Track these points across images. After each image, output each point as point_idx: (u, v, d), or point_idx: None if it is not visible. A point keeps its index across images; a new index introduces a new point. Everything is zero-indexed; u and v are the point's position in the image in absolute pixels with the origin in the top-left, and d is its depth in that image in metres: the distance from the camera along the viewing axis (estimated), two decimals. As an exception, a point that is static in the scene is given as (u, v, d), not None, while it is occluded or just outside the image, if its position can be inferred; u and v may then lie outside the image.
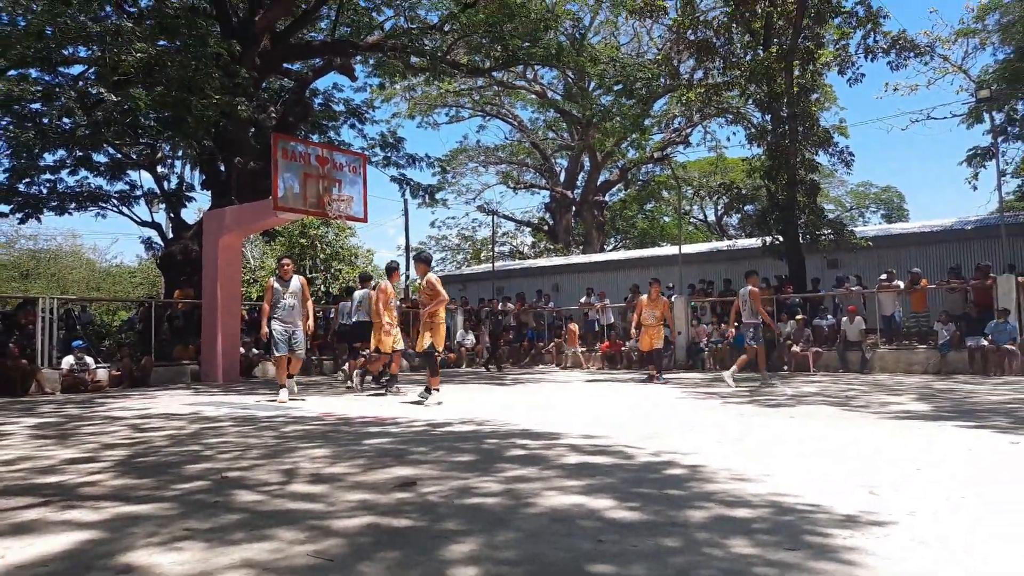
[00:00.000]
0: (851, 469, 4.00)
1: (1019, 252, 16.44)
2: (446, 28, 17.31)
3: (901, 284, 14.50)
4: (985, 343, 12.21)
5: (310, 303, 9.44)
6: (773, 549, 2.54)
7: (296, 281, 9.20)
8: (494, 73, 24.59)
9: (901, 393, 8.83)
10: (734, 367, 10.56)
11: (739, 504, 3.19)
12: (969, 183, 22.75)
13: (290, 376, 9.16)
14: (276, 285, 9.10)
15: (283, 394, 8.77)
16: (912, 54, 17.08)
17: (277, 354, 9.07)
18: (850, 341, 13.85)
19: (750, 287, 10.61)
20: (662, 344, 11.81)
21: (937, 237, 18.29)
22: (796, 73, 15.98)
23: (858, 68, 16.52)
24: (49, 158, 16.45)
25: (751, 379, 11.11)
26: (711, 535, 2.72)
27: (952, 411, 6.80)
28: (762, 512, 3.05)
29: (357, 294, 11.41)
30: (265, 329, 9.10)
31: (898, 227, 23.63)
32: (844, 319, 14.13)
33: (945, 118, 23.57)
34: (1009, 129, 23.14)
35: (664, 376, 11.68)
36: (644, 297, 11.83)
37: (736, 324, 11.62)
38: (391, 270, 9.90)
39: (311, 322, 9.50)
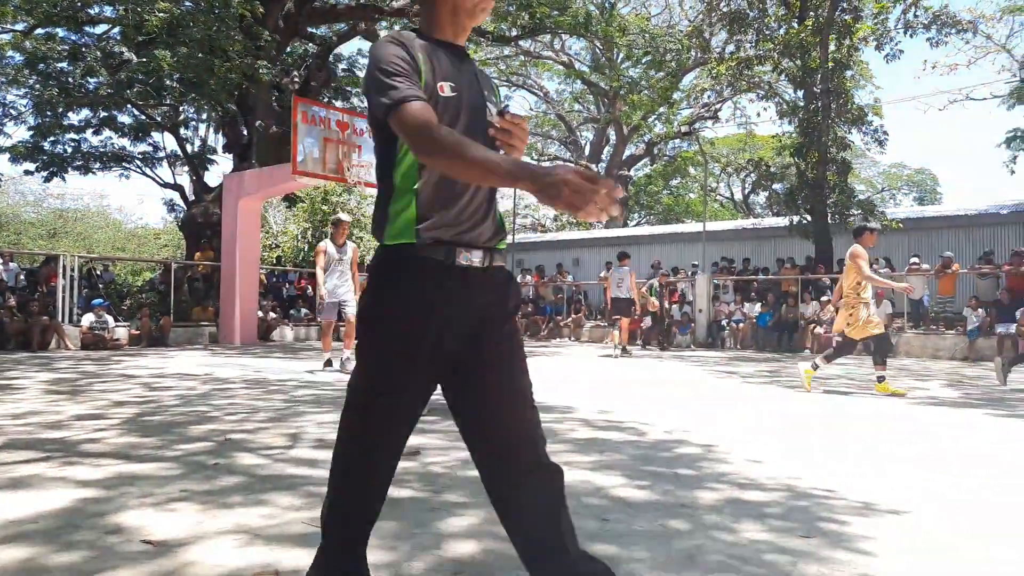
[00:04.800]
0: (870, 453, 3.85)
1: (1056, 238, 15.91)
2: (473, -7, 16.96)
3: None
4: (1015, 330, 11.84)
5: (358, 275, 8.31)
6: (786, 535, 2.41)
7: (350, 248, 8.18)
8: (520, 42, 24.19)
9: (929, 379, 8.59)
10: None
11: (752, 487, 3.07)
12: (1007, 166, 22.11)
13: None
14: (330, 250, 8.06)
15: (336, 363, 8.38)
16: (954, 30, 16.44)
17: (321, 318, 8.56)
18: (876, 324, 13.50)
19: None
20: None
21: (970, 221, 17.72)
22: (832, 48, 15.46)
23: (896, 44, 15.97)
24: (73, 118, 16.52)
25: (773, 359, 10.91)
26: (721, 518, 2.60)
27: (982, 399, 6.58)
28: (776, 496, 2.93)
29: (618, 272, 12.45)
30: (323, 292, 8.02)
31: (931, 210, 22.99)
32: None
33: (985, 99, 22.76)
34: (1052, 111, 22.36)
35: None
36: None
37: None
38: (862, 231, 7.26)
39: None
